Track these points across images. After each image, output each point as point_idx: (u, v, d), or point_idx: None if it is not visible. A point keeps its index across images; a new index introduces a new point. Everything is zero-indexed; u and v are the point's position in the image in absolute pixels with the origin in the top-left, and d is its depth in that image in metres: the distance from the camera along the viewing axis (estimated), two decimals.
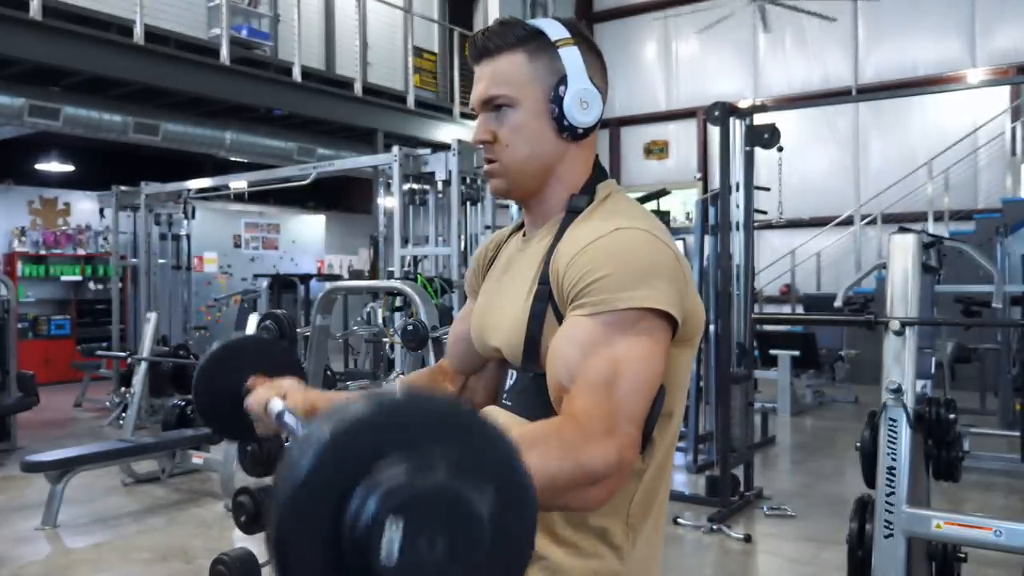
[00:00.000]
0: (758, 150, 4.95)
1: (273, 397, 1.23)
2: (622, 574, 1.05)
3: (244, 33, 8.23)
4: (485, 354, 1.20)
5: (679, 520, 4.42)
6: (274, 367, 1.36)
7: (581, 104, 1.08)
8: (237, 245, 12.73)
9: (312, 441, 0.58)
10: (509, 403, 1.12)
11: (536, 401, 1.04)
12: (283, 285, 10.05)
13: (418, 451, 0.59)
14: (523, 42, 1.09)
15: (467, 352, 1.25)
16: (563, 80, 1.08)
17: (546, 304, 1.05)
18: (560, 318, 1.03)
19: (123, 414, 6.34)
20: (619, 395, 0.92)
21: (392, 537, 0.56)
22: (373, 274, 6.93)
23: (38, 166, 11.22)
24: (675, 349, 1.02)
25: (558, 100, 1.08)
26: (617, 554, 1.04)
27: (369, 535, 0.56)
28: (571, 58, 1.09)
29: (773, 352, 7.80)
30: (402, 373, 4.39)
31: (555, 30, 1.10)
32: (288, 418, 1.13)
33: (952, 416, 2.71)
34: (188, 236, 8.37)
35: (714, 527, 4.29)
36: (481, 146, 1.13)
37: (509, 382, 1.13)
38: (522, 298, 1.09)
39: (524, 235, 1.19)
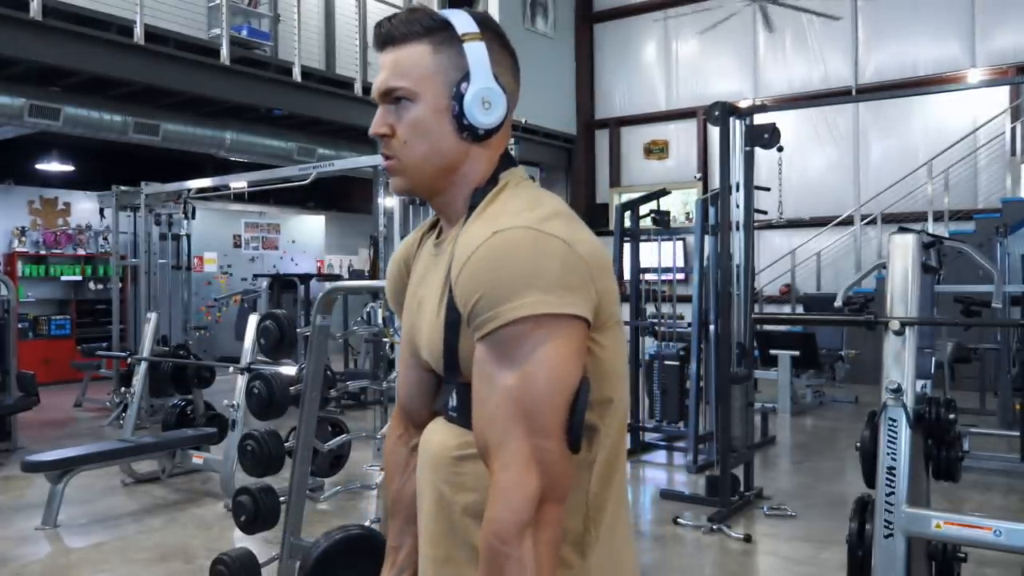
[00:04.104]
0: (758, 150, 4.95)
1: None
2: (589, 569, 1.02)
3: (244, 33, 8.22)
4: (426, 368, 1.13)
5: (679, 520, 4.43)
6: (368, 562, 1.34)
7: (483, 104, 1.02)
8: (237, 245, 12.73)
9: None
10: (455, 415, 1.06)
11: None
12: (283, 285, 10.05)
13: None
14: (429, 33, 1.03)
15: (419, 381, 1.17)
16: (466, 77, 1.02)
17: (458, 312, 0.99)
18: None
19: (123, 414, 6.34)
20: (528, 421, 0.91)
21: None
22: (373, 274, 6.92)
23: (38, 166, 11.23)
24: (595, 335, 0.98)
25: (459, 98, 1.02)
26: (579, 551, 1.01)
27: None
28: (476, 54, 1.03)
29: (773, 352, 7.81)
30: None
31: (463, 22, 1.04)
32: None
33: (952, 416, 2.71)
34: (188, 236, 8.38)
35: (714, 527, 4.30)
36: (379, 139, 1.07)
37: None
38: (436, 307, 1.05)
39: (438, 235, 1.14)
